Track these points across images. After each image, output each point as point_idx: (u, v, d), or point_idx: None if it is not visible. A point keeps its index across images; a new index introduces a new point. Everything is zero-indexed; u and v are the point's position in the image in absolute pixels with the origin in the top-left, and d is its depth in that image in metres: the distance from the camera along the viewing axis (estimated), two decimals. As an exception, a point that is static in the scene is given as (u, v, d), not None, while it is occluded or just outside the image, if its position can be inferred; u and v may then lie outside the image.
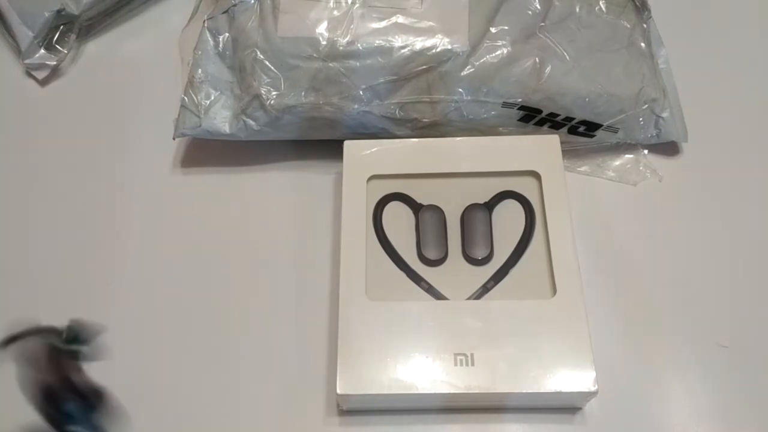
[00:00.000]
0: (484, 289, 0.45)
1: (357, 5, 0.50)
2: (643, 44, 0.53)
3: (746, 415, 0.44)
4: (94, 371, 0.46)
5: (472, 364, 0.41)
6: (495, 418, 0.44)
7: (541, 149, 0.49)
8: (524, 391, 0.40)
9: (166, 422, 0.45)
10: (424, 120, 0.51)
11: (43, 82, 0.60)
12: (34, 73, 0.60)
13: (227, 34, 0.52)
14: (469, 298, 0.44)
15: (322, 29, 0.50)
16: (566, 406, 0.44)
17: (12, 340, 0.33)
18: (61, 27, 0.60)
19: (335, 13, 0.50)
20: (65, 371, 0.34)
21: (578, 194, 0.51)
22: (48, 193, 0.54)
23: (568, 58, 0.50)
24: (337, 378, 0.41)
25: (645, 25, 0.54)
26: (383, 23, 0.50)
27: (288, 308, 0.48)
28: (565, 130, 0.52)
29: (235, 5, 0.52)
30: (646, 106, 0.51)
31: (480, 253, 0.46)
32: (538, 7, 0.51)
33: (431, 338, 0.42)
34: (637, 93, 0.51)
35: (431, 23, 0.50)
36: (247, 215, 0.52)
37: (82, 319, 0.36)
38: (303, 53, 0.49)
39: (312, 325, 0.47)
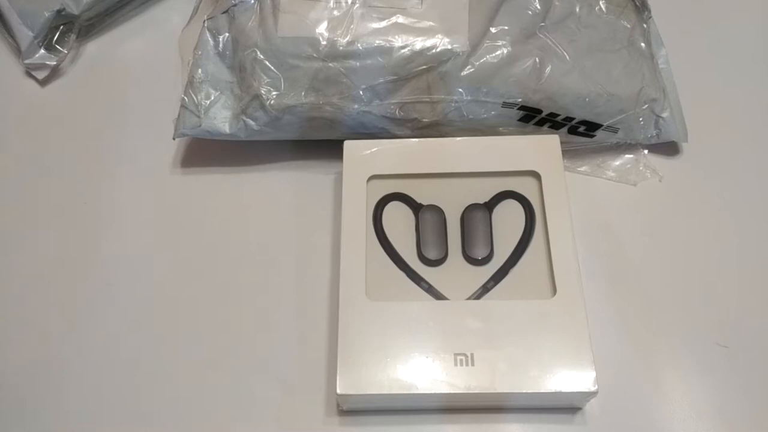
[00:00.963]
0: (484, 289, 0.45)
1: (357, 5, 0.50)
2: (643, 44, 0.53)
3: (746, 415, 0.44)
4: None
5: (472, 364, 0.41)
6: (495, 418, 0.44)
7: (541, 149, 0.49)
8: (524, 391, 0.40)
9: (166, 422, 0.45)
10: (424, 120, 0.51)
11: (43, 82, 0.60)
12: (34, 73, 0.60)
13: (227, 34, 0.52)
14: (469, 298, 0.44)
15: (322, 29, 0.50)
16: (566, 406, 0.44)
17: None
18: (61, 27, 0.60)
19: (335, 13, 0.50)
20: None
21: (578, 194, 0.51)
22: (48, 192, 0.54)
23: (568, 58, 0.50)
24: (337, 378, 0.41)
25: (645, 25, 0.54)
26: (383, 23, 0.50)
27: (288, 308, 0.48)
28: (565, 130, 0.52)
29: (235, 5, 0.52)
30: (646, 106, 0.51)
31: (480, 253, 0.46)
32: (538, 7, 0.51)
33: (431, 338, 0.42)
34: (637, 93, 0.51)
35: (431, 23, 0.50)
36: (247, 215, 0.52)
37: None
38: (303, 53, 0.49)
39: (312, 325, 0.47)
